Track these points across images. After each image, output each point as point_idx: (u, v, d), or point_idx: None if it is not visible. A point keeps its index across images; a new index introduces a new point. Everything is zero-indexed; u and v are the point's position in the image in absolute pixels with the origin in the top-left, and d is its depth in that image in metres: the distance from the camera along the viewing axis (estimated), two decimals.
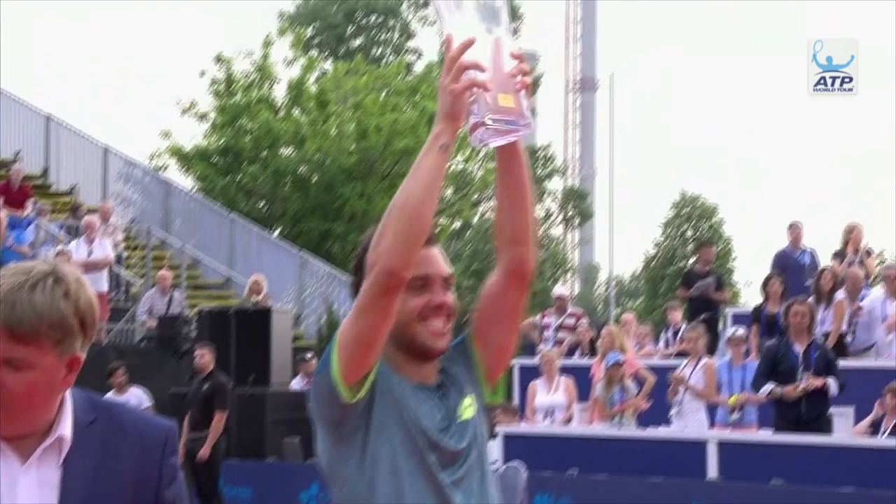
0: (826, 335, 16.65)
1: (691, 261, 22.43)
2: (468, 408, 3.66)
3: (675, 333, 19.50)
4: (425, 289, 3.57)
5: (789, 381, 14.87)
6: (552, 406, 17.52)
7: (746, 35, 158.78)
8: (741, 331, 17.30)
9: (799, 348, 14.96)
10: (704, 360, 16.74)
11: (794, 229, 19.78)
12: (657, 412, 17.07)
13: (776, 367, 15.00)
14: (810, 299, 16.45)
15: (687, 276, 21.53)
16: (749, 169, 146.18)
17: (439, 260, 3.64)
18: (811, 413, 14.95)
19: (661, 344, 19.65)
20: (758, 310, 18.39)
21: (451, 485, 3.56)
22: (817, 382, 14.67)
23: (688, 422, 16.45)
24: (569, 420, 17.47)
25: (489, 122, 3.26)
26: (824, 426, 15.11)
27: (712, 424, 16.52)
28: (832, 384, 14.62)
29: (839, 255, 19.12)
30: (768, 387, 14.73)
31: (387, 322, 3.44)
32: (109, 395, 16.31)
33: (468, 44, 3.28)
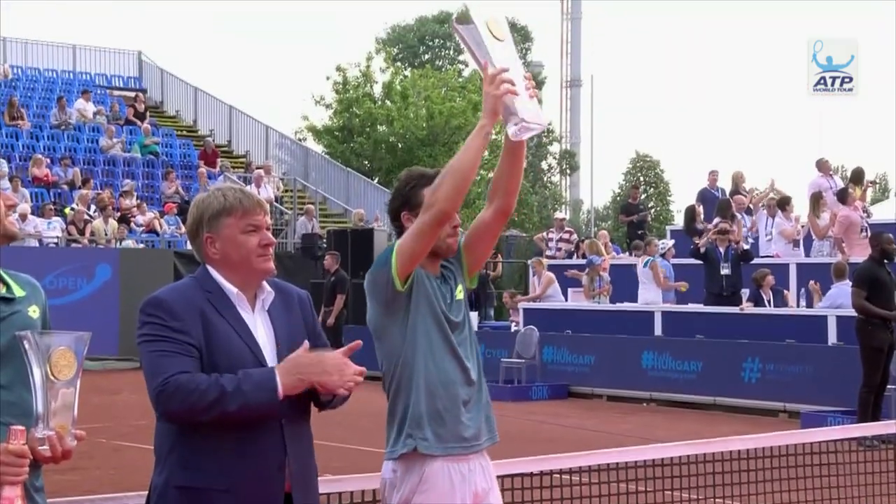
0: (737, 242, 15.27)
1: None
2: (460, 292, 3.65)
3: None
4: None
5: (716, 271, 14.78)
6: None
7: (746, 35, 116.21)
8: (672, 242, 17.47)
9: (721, 250, 14.85)
10: (649, 259, 16.61)
11: (713, 174, 19.48)
12: (621, 293, 17.01)
13: (707, 260, 14.97)
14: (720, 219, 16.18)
15: (625, 207, 21.47)
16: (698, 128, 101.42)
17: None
18: (729, 291, 14.81)
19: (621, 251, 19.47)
20: (690, 225, 18.12)
21: (457, 343, 3.57)
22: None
23: (646, 298, 16.30)
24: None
25: (526, 121, 3.21)
26: (738, 301, 14.87)
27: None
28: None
29: (734, 193, 18.65)
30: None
31: (432, 242, 3.45)
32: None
33: (504, 69, 3.23)
